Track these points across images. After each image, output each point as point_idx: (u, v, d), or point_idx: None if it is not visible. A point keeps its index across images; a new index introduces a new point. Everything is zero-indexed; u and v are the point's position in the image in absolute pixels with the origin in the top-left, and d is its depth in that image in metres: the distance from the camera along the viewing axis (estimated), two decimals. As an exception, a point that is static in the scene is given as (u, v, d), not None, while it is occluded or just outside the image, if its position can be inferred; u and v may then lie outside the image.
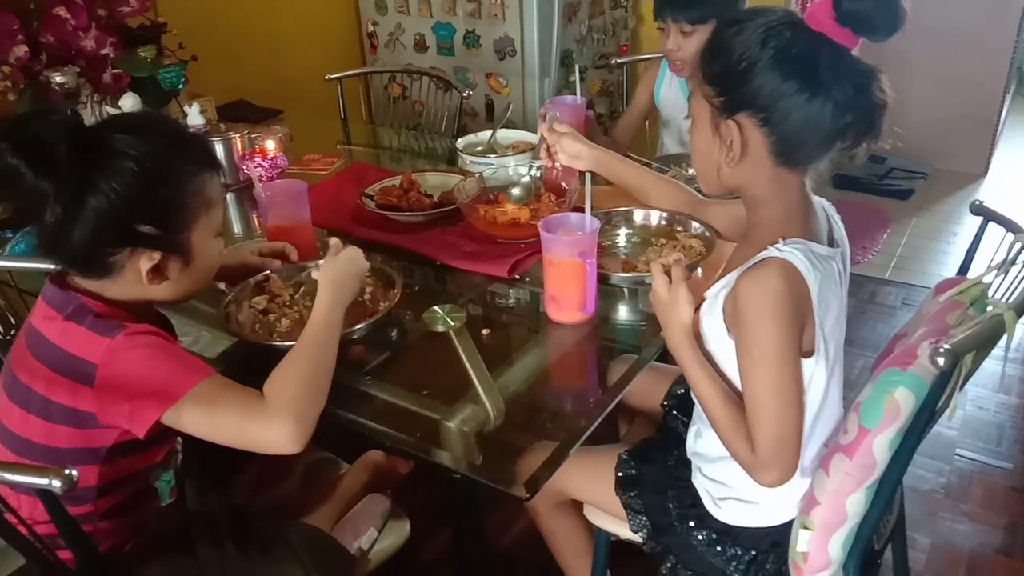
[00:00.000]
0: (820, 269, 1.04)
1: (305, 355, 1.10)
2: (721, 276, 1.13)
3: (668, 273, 1.14)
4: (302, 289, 1.43)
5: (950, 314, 1.13)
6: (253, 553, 1.20)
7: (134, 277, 1.08)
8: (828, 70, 0.99)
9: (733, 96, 1.04)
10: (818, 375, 1.09)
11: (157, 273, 1.08)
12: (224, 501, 1.29)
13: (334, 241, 1.32)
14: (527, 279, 1.50)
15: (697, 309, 1.13)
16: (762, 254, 1.04)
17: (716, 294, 1.10)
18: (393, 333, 1.35)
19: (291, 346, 1.13)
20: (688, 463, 1.26)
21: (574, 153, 1.56)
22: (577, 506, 1.44)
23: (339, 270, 1.24)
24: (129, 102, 2.08)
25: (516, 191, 1.67)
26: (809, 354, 1.06)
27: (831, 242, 1.13)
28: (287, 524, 1.28)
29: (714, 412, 1.08)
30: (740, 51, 1.01)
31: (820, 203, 1.16)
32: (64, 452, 1.07)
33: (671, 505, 1.25)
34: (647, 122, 2.33)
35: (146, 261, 1.07)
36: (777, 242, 1.04)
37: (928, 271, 3.28)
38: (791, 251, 1.02)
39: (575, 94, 1.94)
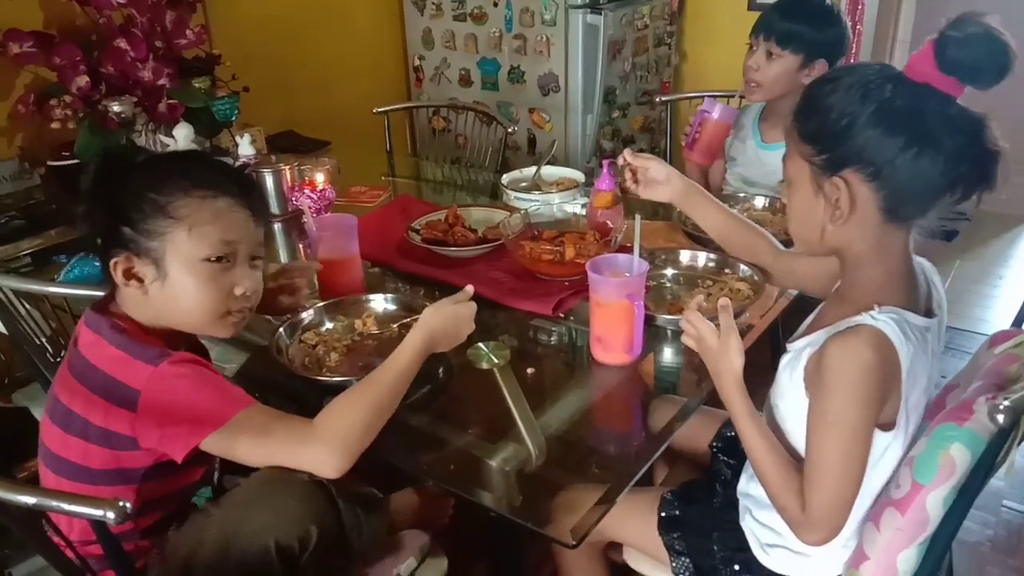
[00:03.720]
0: (913, 341, 1.00)
1: (372, 393, 1.12)
2: (808, 332, 1.10)
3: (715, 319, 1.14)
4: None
5: (1007, 367, 1.11)
6: None
7: (136, 291, 1.11)
8: (937, 120, 0.96)
9: (836, 153, 1.00)
10: (893, 449, 1.06)
11: (130, 276, 1.10)
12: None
13: (469, 288, 1.32)
14: (571, 317, 1.50)
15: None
16: (855, 319, 1.00)
17: (800, 350, 1.07)
18: (440, 370, 1.35)
19: (342, 381, 1.14)
20: (735, 505, 1.25)
21: (663, 177, 1.48)
22: (604, 555, 1.42)
23: (443, 320, 1.24)
24: (183, 132, 2.13)
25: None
26: (889, 427, 1.03)
27: (928, 311, 1.09)
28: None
29: (763, 465, 1.07)
30: (840, 108, 0.99)
31: (921, 266, 1.12)
32: (96, 472, 1.10)
33: (716, 547, 1.23)
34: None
35: (122, 261, 1.10)
36: (872, 308, 1.00)
37: (974, 315, 3.21)
38: (886, 320, 0.99)
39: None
